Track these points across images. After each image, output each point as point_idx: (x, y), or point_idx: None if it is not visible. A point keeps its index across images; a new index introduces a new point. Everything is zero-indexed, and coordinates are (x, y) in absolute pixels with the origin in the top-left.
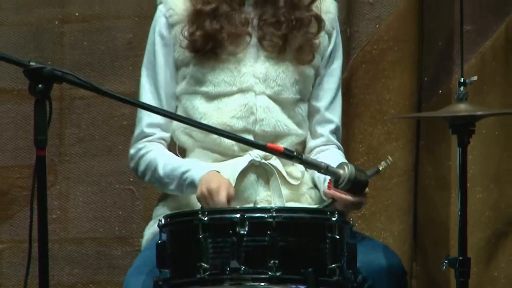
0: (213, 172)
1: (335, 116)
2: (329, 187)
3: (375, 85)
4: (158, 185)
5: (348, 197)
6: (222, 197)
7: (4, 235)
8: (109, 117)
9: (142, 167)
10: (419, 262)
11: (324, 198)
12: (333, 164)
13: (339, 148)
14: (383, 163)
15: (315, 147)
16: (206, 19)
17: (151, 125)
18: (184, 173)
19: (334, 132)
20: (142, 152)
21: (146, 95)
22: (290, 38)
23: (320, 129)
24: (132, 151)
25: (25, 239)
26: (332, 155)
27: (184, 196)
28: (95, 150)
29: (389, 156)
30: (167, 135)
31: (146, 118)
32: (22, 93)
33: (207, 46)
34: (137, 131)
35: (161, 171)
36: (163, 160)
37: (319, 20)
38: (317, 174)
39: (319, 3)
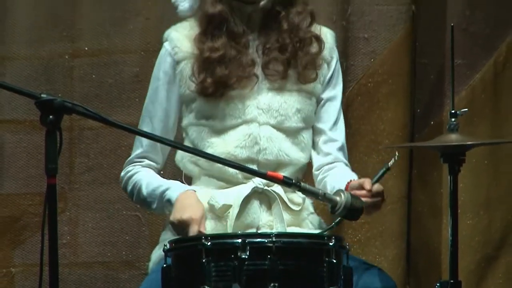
0: (190, 192)
1: (339, 135)
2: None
3: (370, 116)
4: (143, 205)
5: (366, 198)
6: (193, 230)
7: (16, 259)
8: (117, 147)
9: (129, 187)
10: (412, 285)
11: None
12: (345, 179)
13: (346, 165)
14: (392, 160)
15: (323, 165)
16: (215, 66)
17: (141, 156)
18: (163, 191)
19: (340, 149)
20: (130, 173)
21: (143, 128)
22: (293, 61)
23: (326, 148)
24: (122, 173)
25: (37, 263)
26: (341, 172)
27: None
28: (104, 178)
29: (396, 152)
30: (158, 166)
31: (139, 148)
32: (34, 123)
33: (218, 91)
34: (131, 156)
35: (144, 190)
36: (147, 180)
37: (319, 40)
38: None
39: (316, 30)
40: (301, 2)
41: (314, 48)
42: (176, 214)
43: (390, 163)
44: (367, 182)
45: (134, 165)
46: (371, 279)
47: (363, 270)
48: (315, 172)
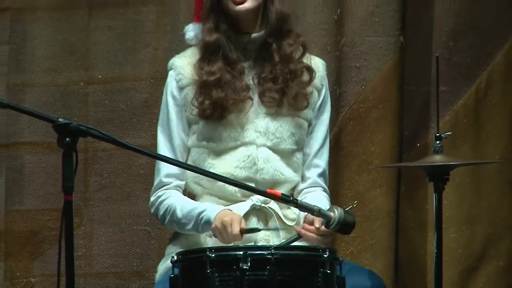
0: (226, 210)
1: (322, 161)
2: (303, 226)
3: (361, 139)
4: (176, 226)
5: (310, 235)
6: (235, 228)
7: (36, 270)
8: (128, 167)
9: (161, 211)
10: None
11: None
12: (318, 205)
13: (324, 190)
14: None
15: (303, 189)
16: (212, 88)
17: (168, 176)
18: (200, 213)
19: (321, 175)
20: (161, 199)
21: (162, 149)
22: (286, 90)
23: (308, 173)
24: (152, 198)
25: (54, 273)
26: (316, 197)
27: (194, 236)
28: (116, 196)
29: (355, 202)
30: (182, 183)
31: (164, 170)
32: (51, 145)
33: (216, 113)
34: (156, 181)
35: (179, 213)
36: (180, 204)
37: (310, 70)
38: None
39: (308, 60)
40: (294, 34)
41: (305, 78)
42: (217, 221)
43: (349, 207)
44: (317, 221)
45: (164, 190)
46: (362, 278)
47: (355, 271)
48: (296, 194)
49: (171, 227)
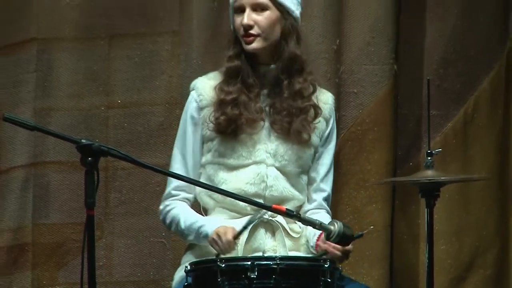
0: (223, 226)
1: (327, 186)
2: (317, 243)
3: (358, 158)
4: (180, 235)
5: (336, 252)
6: (228, 236)
7: (60, 279)
8: (146, 184)
9: (168, 220)
10: None
11: (312, 250)
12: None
13: (327, 212)
14: (366, 230)
15: (308, 210)
16: (228, 106)
17: (177, 188)
18: (200, 227)
19: (326, 199)
20: (168, 208)
21: (176, 164)
22: (293, 122)
23: (314, 196)
24: (161, 207)
25: (78, 282)
26: (321, 218)
27: (206, 246)
28: (134, 211)
29: (372, 227)
30: (190, 195)
31: (174, 182)
32: (75, 164)
33: (229, 128)
34: (166, 191)
35: (182, 224)
36: (184, 216)
37: (316, 108)
38: (308, 230)
39: (318, 94)
40: (306, 73)
41: (310, 115)
42: (214, 234)
43: (364, 232)
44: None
45: (172, 200)
46: None
47: (352, 287)
48: (302, 213)
49: (176, 234)
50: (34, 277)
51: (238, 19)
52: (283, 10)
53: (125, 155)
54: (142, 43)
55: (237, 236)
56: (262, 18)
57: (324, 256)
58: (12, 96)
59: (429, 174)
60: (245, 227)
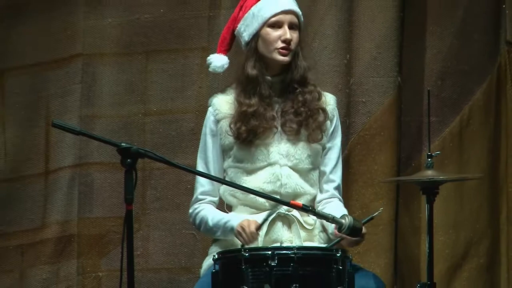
0: (246, 220)
1: (337, 177)
2: (336, 230)
3: (366, 160)
4: (208, 233)
5: (351, 238)
6: (251, 227)
7: (103, 266)
8: (178, 182)
9: (197, 221)
10: (398, 286)
11: (332, 237)
12: (337, 211)
13: (340, 200)
14: (377, 212)
15: (322, 199)
16: (249, 118)
17: (203, 193)
18: (226, 222)
19: (336, 188)
20: (196, 211)
21: (200, 170)
22: (304, 124)
23: (326, 187)
24: (190, 210)
25: (118, 269)
26: (335, 206)
27: (230, 239)
28: (168, 206)
29: (381, 209)
30: (215, 199)
31: (200, 188)
32: (116, 165)
33: (249, 137)
34: (194, 197)
35: (210, 222)
36: (212, 215)
37: (324, 111)
38: (325, 222)
39: (322, 101)
40: (312, 84)
41: (321, 117)
42: (238, 226)
43: (375, 214)
44: None
45: (200, 203)
46: (366, 280)
47: (361, 275)
48: (316, 204)
49: (205, 233)
50: (79, 265)
51: (275, 33)
52: (301, 30)
53: (160, 157)
54: (175, 58)
55: (259, 228)
56: (296, 35)
57: (339, 242)
58: (60, 104)
59: (429, 173)
60: (265, 219)
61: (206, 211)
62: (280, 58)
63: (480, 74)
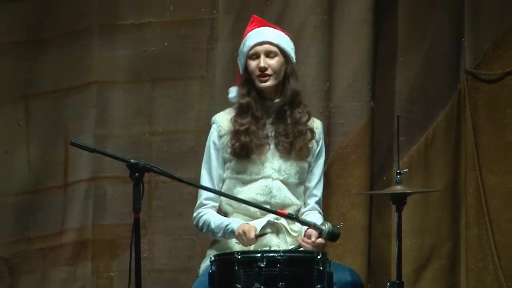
0: (245, 223)
1: (319, 192)
2: (303, 239)
3: (344, 174)
4: (210, 234)
5: (307, 246)
6: (251, 235)
7: (114, 267)
8: (180, 194)
9: (200, 224)
10: (372, 284)
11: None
12: (315, 221)
13: (319, 213)
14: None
15: (305, 211)
16: (241, 135)
17: (206, 199)
18: (227, 225)
19: (317, 202)
20: (200, 215)
21: (204, 179)
22: (294, 143)
23: (309, 200)
24: (194, 214)
25: (127, 269)
26: (315, 216)
27: (226, 242)
28: (171, 214)
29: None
30: (216, 204)
31: (204, 194)
32: (126, 179)
33: (243, 152)
34: (198, 202)
35: (212, 225)
36: (214, 219)
37: (312, 131)
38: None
39: (311, 122)
40: (303, 105)
41: (308, 136)
42: (240, 229)
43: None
44: (313, 235)
45: (203, 208)
46: (344, 274)
47: (340, 269)
48: (299, 214)
49: (207, 235)
50: (93, 266)
51: (253, 63)
52: (286, 56)
53: (164, 171)
54: (178, 85)
55: (258, 236)
56: (274, 62)
57: (301, 248)
58: (77, 126)
59: (398, 188)
60: (263, 234)
61: (209, 215)
62: (261, 84)
63: (443, 99)
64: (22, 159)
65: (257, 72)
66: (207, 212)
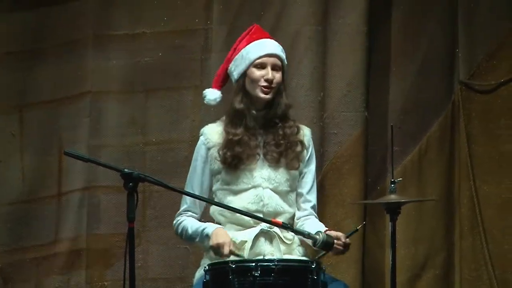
0: (220, 228)
1: (313, 198)
2: (337, 243)
3: (338, 184)
4: (189, 241)
5: (340, 247)
6: (226, 250)
7: (108, 276)
8: (174, 203)
9: (179, 230)
10: None
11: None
12: (315, 226)
13: (316, 217)
14: (360, 225)
15: (301, 217)
16: (234, 145)
17: (186, 209)
18: (202, 230)
19: (312, 207)
20: (179, 221)
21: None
22: (284, 154)
23: (304, 206)
24: (174, 221)
25: (121, 279)
26: (313, 222)
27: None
28: (165, 223)
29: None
30: (195, 215)
31: (184, 205)
32: (120, 188)
33: (234, 162)
34: (178, 212)
35: (189, 230)
36: (191, 224)
37: (302, 143)
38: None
39: (301, 134)
40: (292, 120)
41: (298, 148)
42: (214, 240)
43: (358, 227)
44: (342, 236)
45: (182, 216)
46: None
47: (334, 284)
48: (296, 220)
49: (186, 241)
50: (87, 275)
51: (258, 72)
52: (284, 72)
53: (158, 181)
54: (172, 95)
55: (232, 253)
56: (278, 76)
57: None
58: (71, 135)
59: (392, 197)
60: (238, 255)
61: (187, 221)
62: (262, 95)
63: (437, 109)
64: (16, 168)
65: (263, 83)
66: (186, 219)
